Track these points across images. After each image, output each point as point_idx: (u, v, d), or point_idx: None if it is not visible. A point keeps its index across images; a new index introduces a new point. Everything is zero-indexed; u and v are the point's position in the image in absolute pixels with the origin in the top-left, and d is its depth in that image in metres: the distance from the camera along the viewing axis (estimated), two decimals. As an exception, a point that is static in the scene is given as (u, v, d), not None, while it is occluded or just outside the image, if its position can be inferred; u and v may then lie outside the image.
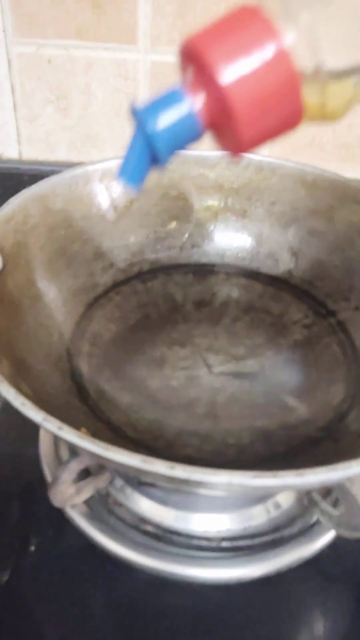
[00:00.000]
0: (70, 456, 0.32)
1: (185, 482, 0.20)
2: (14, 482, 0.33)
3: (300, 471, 0.19)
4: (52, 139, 0.59)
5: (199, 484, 0.20)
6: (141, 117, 0.19)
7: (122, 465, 0.20)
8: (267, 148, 0.59)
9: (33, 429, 0.34)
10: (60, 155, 0.60)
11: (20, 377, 0.26)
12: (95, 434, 0.27)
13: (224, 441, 0.30)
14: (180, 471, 0.19)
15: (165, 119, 0.19)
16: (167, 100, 0.19)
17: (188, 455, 0.28)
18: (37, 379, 0.28)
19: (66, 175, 0.36)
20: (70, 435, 0.20)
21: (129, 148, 0.20)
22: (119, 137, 0.59)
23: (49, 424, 0.21)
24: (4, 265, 0.31)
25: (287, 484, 0.19)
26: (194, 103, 0.19)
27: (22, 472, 0.34)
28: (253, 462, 0.28)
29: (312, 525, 0.31)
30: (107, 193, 0.38)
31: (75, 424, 0.25)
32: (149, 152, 0.19)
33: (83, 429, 0.26)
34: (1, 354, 0.26)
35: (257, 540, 0.30)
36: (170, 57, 0.54)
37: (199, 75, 0.19)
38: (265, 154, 0.59)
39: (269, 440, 0.30)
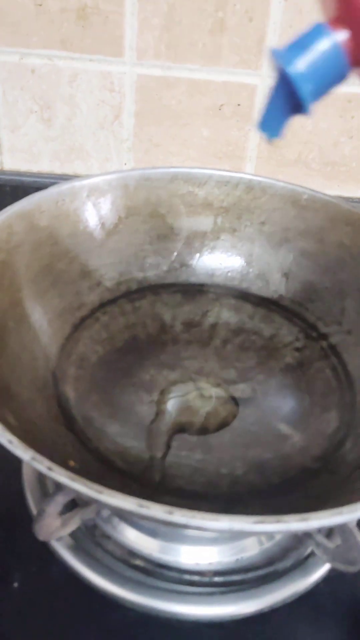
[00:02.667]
0: (55, 487, 0.30)
1: (184, 525, 0.19)
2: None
3: (304, 515, 0.18)
4: (34, 150, 0.58)
5: (198, 528, 0.19)
6: (282, 57, 0.17)
7: (116, 508, 0.19)
8: (252, 163, 0.59)
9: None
10: (43, 166, 0.59)
11: (6, 407, 0.25)
12: (84, 467, 0.25)
13: (216, 471, 0.29)
14: (179, 517, 0.18)
15: (309, 57, 0.17)
16: (309, 37, 0.17)
17: (180, 488, 0.27)
18: (23, 408, 0.27)
19: (52, 191, 0.35)
20: (61, 476, 0.19)
21: (269, 98, 0.18)
22: (103, 149, 0.58)
23: (38, 464, 0.20)
24: (-12, 286, 0.29)
25: (290, 529, 0.19)
26: (339, 37, 0.17)
27: (2, 502, 0.32)
28: (248, 494, 0.27)
29: (307, 558, 0.30)
30: (95, 210, 0.36)
31: (62, 456, 0.24)
32: (291, 99, 0.18)
33: (71, 462, 0.25)
34: (-16, 382, 0.25)
35: (250, 575, 0.29)
36: (157, 70, 0.53)
37: (343, 10, 0.17)
38: (251, 169, 0.59)
39: (263, 471, 0.29)
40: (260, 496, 0.27)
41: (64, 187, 0.35)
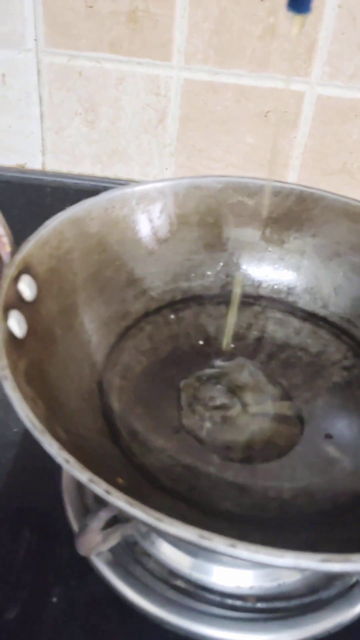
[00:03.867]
0: (97, 502, 0.30)
1: (245, 559, 0.18)
2: (36, 525, 0.31)
3: (374, 555, 0.17)
4: (77, 152, 0.58)
5: (261, 563, 0.18)
6: None
7: (175, 537, 0.18)
8: (296, 171, 0.58)
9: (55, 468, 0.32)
10: (84, 168, 0.59)
11: (55, 419, 0.25)
12: (131, 485, 0.25)
13: (264, 494, 0.28)
14: (243, 551, 0.17)
15: None
16: None
17: (227, 510, 0.27)
18: (70, 419, 0.26)
19: (103, 197, 0.34)
20: (119, 501, 0.18)
21: None
22: (145, 153, 0.58)
23: (95, 487, 0.19)
24: (38, 293, 0.29)
25: (358, 570, 0.18)
26: None
27: (42, 514, 0.32)
28: (297, 520, 0.26)
29: (352, 587, 0.29)
30: (144, 218, 0.36)
31: (111, 473, 0.23)
32: None
33: (119, 480, 0.24)
34: (36, 394, 0.24)
35: (293, 603, 0.28)
36: (204, 75, 0.53)
37: None
38: (294, 177, 0.58)
39: (313, 496, 0.28)
40: (311, 522, 0.26)
41: (115, 193, 0.35)
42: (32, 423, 0.21)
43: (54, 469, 0.33)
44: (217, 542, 0.18)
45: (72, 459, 0.20)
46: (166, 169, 0.58)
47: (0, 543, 0.32)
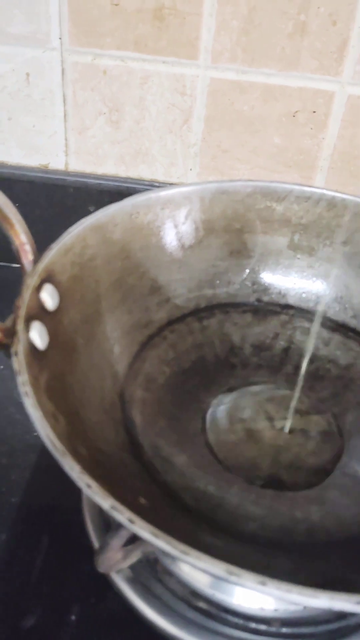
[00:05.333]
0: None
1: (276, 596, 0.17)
2: (54, 536, 0.31)
3: None
4: (100, 152, 0.57)
5: (292, 602, 0.17)
6: None
7: (202, 569, 0.17)
8: (324, 173, 0.57)
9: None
10: (107, 169, 0.58)
11: (75, 435, 0.24)
12: (153, 504, 0.24)
13: (291, 516, 0.27)
14: (274, 589, 0.16)
15: None
16: None
17: (253, 533, 0.26)
18: (91, 434, 0.26)
19: (127, 203, 0.33)
20: (144, 531, 0.18)
21: None
22: (169, 153, 0.56)
23: (118, 515, 0.18)
24: (60, 302, 0.28)
25: None
26: None
27: (62, 529, 0.31)
28: (326, 545, 0.25)
29: (382, 614, 0.27)
30: (169, 224, 0.35)
31: (133, 492, 0.22)
32: None
33: (142, 499, 0.24)
34: (57, 408, 0.24)
35: (320, 629, 0.27)
36: (231, 74, 0.51)
37: None
38: (321, 180, 0.57)
39: (342, 519, 0.27)
40: (340, 549, 0.25)
41: (139, 199, 0.34)
42: (53, 444, 0.20)
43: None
44: (246, 579, 0.17)
45: (94, 484, 0.19)
46: (190, 169, 0.57)
47: (18, 554, 0.31)
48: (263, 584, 0.17)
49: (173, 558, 0.29)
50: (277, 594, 0.16)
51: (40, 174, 0.58)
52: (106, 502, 0.18)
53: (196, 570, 0.28)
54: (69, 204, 0.59)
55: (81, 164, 0.58)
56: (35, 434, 0.41)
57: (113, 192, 0.58)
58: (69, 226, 0.33)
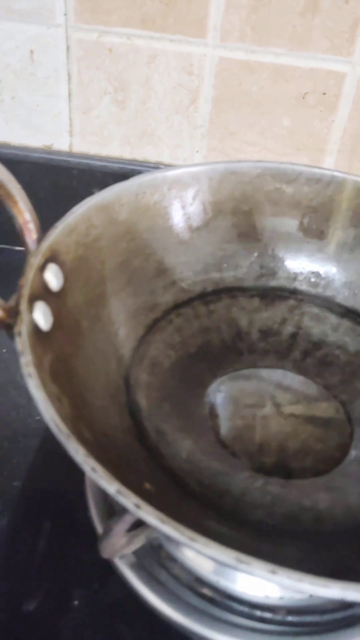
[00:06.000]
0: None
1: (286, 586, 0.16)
2: (57, 520, 0.30)
3: None
4: (105, 133, 0.56)
5: (301, 590, 0.16)
6: None
7: (210, 557, 0.17)
8: (333, 156, 0.55)
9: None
10: (112, 150, 0.57)
11: (80, 418, 0.23)
12: (159, 490, 0.23)
13: (298, 503, 0.26)
14: (284, 578, 0.16)
15: None
16: None
17: (259, 520, 0.25)
18: (96, 418, 0.25)
19: (133, 182, 0.32)
20: (150, 516, 0.17)
21: None
22: (175, 134, 0.55)
23: (124, 499, 0.18)
24: (65, 282, 0.28)
25: None
26: None
27: (64, 514, 0.31)
28: (333, 534, 0.25)
29: (389, 603, 0.27)
30: (176, 204, 0.34)
31: (138, 477, 0.22)
32: None
33: (147, 485, 0.23)
34: (61, 391, 0.23)
35: (326, 617, 0.26)
36: (240, 53, 0.50)
37: None
38: (330, 163, 0.55)
39: (349, 507, 0.26)
40: (349, 537, 0.24)
41: (146, 178, 0.33)
42: (57, 426, 0.19)
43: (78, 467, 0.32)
44: (256, 567, 0.16)
45: (99, 468, 0.18)
46: (197, 151, 0.56)
47: (20, 538, 0.31)
48: (273, 572, 0.16)
49: (177, 544, 0.28)
50: (287, 583, 0.16)
51: (43, 155, 0.57)
52: (112, 487, 0.18)
53: (201, 557, 0.28)
54: (73, 185, 0.58)
55: (86, 144, 0.57)
56: (37, 417, 0.41)
57: (118, 174, 0.57)
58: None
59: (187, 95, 0.53)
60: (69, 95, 0.54)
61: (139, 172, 0.57)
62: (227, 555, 0.16)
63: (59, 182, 0.58)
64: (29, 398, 0.45)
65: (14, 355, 0.46)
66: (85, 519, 0.30)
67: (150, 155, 0.57)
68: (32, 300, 0.24)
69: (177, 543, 0.27)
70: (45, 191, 0.58)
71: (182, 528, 0.17)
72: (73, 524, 0.31)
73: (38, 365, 0.22)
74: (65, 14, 0.50)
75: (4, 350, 0.47)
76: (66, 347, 0.26)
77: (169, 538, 0.17)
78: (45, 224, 0.31)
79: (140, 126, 0.55)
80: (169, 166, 0.56)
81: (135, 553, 0.28)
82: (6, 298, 0.26)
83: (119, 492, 0.18)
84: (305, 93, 0.52)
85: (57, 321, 0.26)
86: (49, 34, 0.51)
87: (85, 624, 0.27)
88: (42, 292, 0.26)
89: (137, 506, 0.17)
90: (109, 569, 0.28)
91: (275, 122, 0.53)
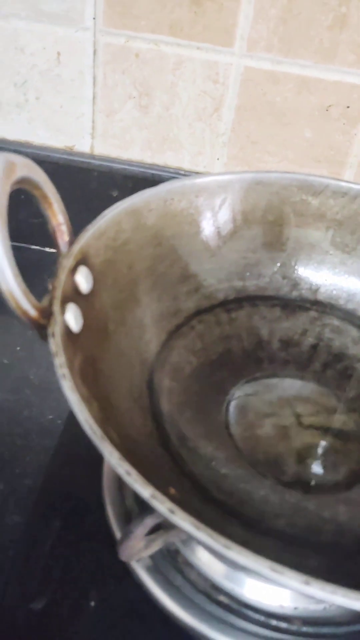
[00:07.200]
0: (139, 508, 0.28)
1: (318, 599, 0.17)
2: (74, 522, 0.31)
3: None
4: (127, 137, 0.56)
5: (333, 602, 0.17)
6: None
7: (243, 566, 0.17)
8: (354, 169, 0.56)
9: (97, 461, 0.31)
10: (133, 154, 0.57)
11: (108, 421, 0.23)
12: (182, 495, 0.24)
13: (318, 515, 0.26)
14: (317, 590, 0.16)
15: None
16: None
17: (281, 530, 0.25)
18: (122, 421, 0.25)
19: (162, 188, 0.33)
20: (185, 522, 0.17)
21: None
22: (197, 141, 0.56)
23: (158, 504, 0.18)
24: (94, 285, 0.28)
25: None
26: None
27: (83, 516, 0.31)
28: (355, 547, 0.25)
29: None
30: (202, 212, 0.34)
31: (163, 482, 0.22)
32: None
33: (172, 490, 0.23)
34: (90, 394, 0.23)
35: (341, 630, 0.26)
36: (266, 63, 0.51)
37: None
38: (350, 176, 0.56)
39: (370, 520, 0.26)
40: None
41: (175, 185, 0.33)
42: (92, 428, 0.20)
43: (94, 462, 0.32)
44: (290, 577, 0.16)
45: (133, 472, 0.18)
46: (217, 159, 0.56)
47: (34, 537, 0.31)
48: (307, 583, 0.16)
49: (194, 550, 0.28)
50: (320, 595, 0.16)
51: (65, 156, 0.57)
52: (146, 491, 0.18)
53: (216, 563, 0.28)
54: (93, 187, 0.59)
55: (107, 147, 0.57)
56: (50, 416, 0.41)
57: (138, 177, 0.57)
58: (92, 210, 0.33)
59: (210, 103, 0.53)
60: (93, 98, 0.55)
61: (158, 177, 0.57)
62: (261, 564, 0.16)
63: (79, 184, 0.58)
64: (42, 397, 0.45)
65: (28, 353, 0.46)
66: (99, 520, 0.30)
67: (171, 160, 0.57)
68: (64, 302, 0.25)
69: (196, 549, 0.27)
70: (65, 192, 0.58)
71: (216, 535, 0.17)
72: (87, 525, 0.31)
73: (70, 366, 0.22)
74: (94, 18, 0.50)
75: (18, 349, 0.47)
76: (94, 349, 0.26)
77: (189, 544, 0.17)
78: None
79: (163, 132, 0.55)
80: (190, 173, 0.56)
81: (152, 557, 0.28)
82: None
83: (153, 496, 0.18)
84: (329, 106, 0.52)
85: (86, 323, 0.26)
86: (76, 37, 0.52)
87: (100, 625, 0.27)
88: (73, 294, 0.26)
89: (172, 511, 0.18)
90: (125, 571, 0.28)
91: (297, 133, 0.53)
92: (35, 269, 0.32)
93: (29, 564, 0.29)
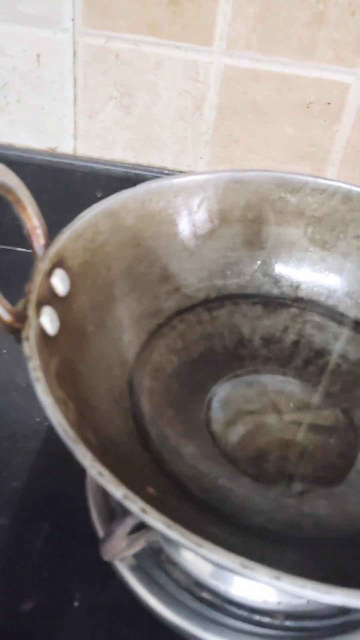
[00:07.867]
0: (122, 508, 0.29)
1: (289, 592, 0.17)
2: (58, 522, 0.31)
3: None
4: (109, 137, 0.56)
5: (303, 597, 0.17)
6: None
7: (215, 562, 0.17)
8: (336, 166, 0.56)
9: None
10: (116, 154, 0.57)
11: (85, 422, 0.24)
12: (161, 494, 0.24)
13: (299, 510, 0.26)
14: (287, 584, 0.16)
15: None
16: None
17: (260, 526, 0.25)
18: (100, 422, 0.25)
19: (140, 189, 0.33)
20: (156, 521, 0.17)
21: None
22: (179, 141, 0.56)
23: (130, 504, 0.18)
24: (71, 287, 0.28)
25: None
26: None
27: (65, 516, 0.31)
28: (335, 541, 0.25)
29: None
30: (181, 212, 0.34)
31: (141, 481, 0.22)
32: None
33: (150, 489, 0.23)
34: (67, 395, 0.23)
35: (324, 623, 0.27)
36: (245, 62, 0.51)
37: None
38: (333, 173, 0.56)
39: (349, 515, 0.26)
40: (349, 545, 0.25)
41: (152, 185, 0.33)
42: (65, 431, 0.20)
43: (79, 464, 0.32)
44: (261, 573, 0.16)
45: (106, 472, 0.19)
46: (200, 158, 0.57)
47: (20, 539, 0.31)
48: (277, 578, 0.16)
49: (177, 548, 0.28)
50: (291, 589, 0.16)
51: (47, 158, 0.57)
52: (119, 491, 0.18)
53: (200, 560, 0.28)
54: (76, 188, 0.59)
55: (90, 148, 0.57)
56: (37, 419, 0.41)
57: (121, 178, 0.57)
58: (76, 211, 0.33)
59: (192, 102, 0.53)
60: (75, 99, 0.55)
61: (142, 177, 0.57)
62: (232, 560, 0.17)
63: (62, 185, 0.58)
64: (29, 399, 0.45)
65: (14, 356, 0.46)
66: (85, 521, 0.30)
67: (154, 160, 0.57)
68: (40, 305, 0.25)
69: (179, 547, 0.28)
70: (49, 193, 0.59)
71: (188, 533, 0.17)
72: (73, 526, 0.31)
73: (45, 369, 0.22)
74: (73, 19, 0.50)
75: (5, 351, 0.47)
76: (71, 351, 0.26)
77: (171, 542, 0.17)
78: (48, 226, 0.31)
79: (145, 131, 0.55)
80: (173, 172, 0.56)
81: (135, 556, 0.28)
82: (9, 298, 0.27)
83: (125, 496, 0.18)
84: (310, 103, 0.52)
85: (63, 326, 0.26)
86: (56, 38, 0.52)
87: (85, 625, 0.27)
88: (49, 297, 0.26)
89: (144, 511, 0.18)
90: (109, 571, 0.28)
91: (279, 130, 0.54)
92: (22, 271, 0.32)
93: (15, 566, 0.30)
